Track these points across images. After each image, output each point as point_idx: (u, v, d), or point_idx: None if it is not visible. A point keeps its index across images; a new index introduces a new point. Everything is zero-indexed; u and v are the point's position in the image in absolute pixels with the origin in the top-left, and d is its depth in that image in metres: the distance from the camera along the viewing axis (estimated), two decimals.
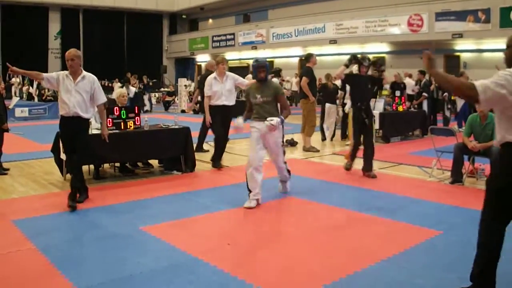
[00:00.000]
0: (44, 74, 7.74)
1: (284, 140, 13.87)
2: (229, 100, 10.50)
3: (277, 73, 14.28)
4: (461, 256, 4.56)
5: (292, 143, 13.90)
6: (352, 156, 10.02)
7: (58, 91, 7.65)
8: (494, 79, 3.85)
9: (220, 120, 10.43)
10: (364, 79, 9.82)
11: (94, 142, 8.54)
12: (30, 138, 15.48)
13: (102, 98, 7.78)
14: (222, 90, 10.33)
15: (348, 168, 10.09)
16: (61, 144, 8.41)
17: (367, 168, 9.63)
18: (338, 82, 14.20)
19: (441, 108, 18.81)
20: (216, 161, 10.49)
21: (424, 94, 17.83)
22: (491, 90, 3.81)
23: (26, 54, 38.33)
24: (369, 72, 10.18)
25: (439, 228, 6.24)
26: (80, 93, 7.47)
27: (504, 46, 4.15)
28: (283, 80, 16.77)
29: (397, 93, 18.60)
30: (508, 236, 4.10)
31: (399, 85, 19.78)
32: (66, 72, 7.67)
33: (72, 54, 7.61)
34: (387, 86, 20.11)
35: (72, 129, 7.45)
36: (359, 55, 9.81)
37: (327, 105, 14.85)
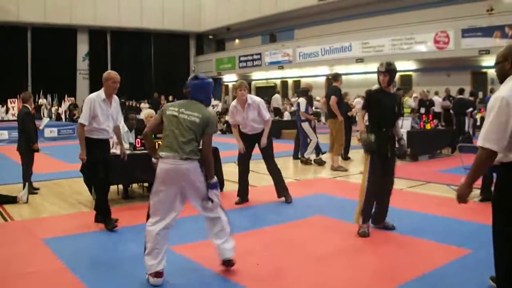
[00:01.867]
0: (84, 121, 7.28)
1: (312, 160, 13.88)
2: (256, 129, 8.98)
3: (305, 92, 14.25)
4: (493, 274, 4.51)
5: (320, 163, 13.86)
6: (367, 212, 6.98)
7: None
8: (494, 118, 3.92)
9: (248, 147, 9.06)
10: (387, 97, 7.06)
11: (123, 162, 8.63)
12: (59, 158, 15.66)
13: (121, 118, 7.86)
14: (246, 121, 8.90)
15: (364, 234, 6.83)
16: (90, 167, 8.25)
17: (381, 218, 7.26)
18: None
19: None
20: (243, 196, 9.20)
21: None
22: (498, 133, 3.91)
23: (55, 76, 38.86)
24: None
25: (469, 247, 6.18)
26: (112, 116, 7.51)
27: None
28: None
29: (422, 110, 18.52)
30: None
31: (424, 102, 19.70)
32: (100, 96, 7.40)
33: (118, 76, 7.56)
34: (411, 104, 20.06)
35: (104, 151, 7.54)
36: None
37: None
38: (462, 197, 4.18)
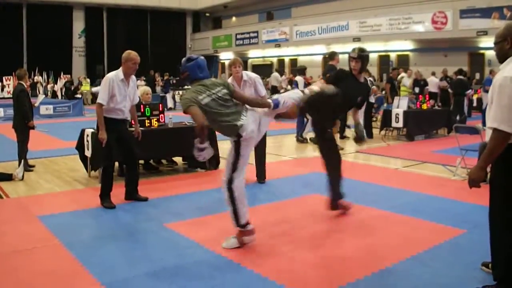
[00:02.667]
0: (103, 101, 7.17)
1: (308, 138, 13.89)
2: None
3: (302, 71, 14.28)
4: (486, 255, 4.52)
5: (316, 142, 13.85)
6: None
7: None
8: (507, 99, 3.91)
9: None
10: (354, 83, 6.63)
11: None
12: (55, 135, 15.63)
13: (137, 98, 7.85)
14: None
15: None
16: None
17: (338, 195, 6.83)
18: None
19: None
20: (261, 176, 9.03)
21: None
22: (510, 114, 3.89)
23: (50, 53, 38.72)
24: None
25: (463, 227, 6.19)
26: (129, 96, 7.48)
27: None
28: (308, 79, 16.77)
29: (416, 89, 18.51)
30: None
31: (419, 82, 19.69)
32: (118, 76, 7.35)
33: (138, 57, 7.55)
34: (406, 82, 20.06)
35: (122, 130, 7.51)
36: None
37: None
38: (474, 181, 4.12)
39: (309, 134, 14.11)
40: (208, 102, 5.29)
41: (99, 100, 7.18)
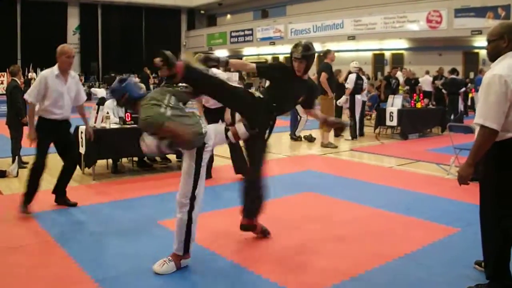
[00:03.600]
0: (29, 99, 6.84)
1: (302, 136, 13.91)
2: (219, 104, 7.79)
3: None
4: (479, 254, 4.53)
5: (310, 139, 13.88)
6: None
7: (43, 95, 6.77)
8: (493, 96, 3.95)
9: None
10: (296, 81, 5.73)
11: (113, 137, 8.65)
12: None
13: (84, 96, 7.42)
14: None
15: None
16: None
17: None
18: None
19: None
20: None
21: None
22: (499, 111, 3.93)
23: (44, 49, 38.38)
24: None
25: (457, 226, 6.21)
26: (69, 94, 6.97)
27: None
28: None
29: (406, 88, 18.64)
30: None
31: (410, 80, 19.80)
32: (53, 72, 6.87)
33: (72, 49, 7.07)
34: (400, 79, 20.17)
35: (62, 133, 7.12)
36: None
37: None
38: (463, 177, 4.15)
39: (303, 132, 14.16)
40: (171, 114, 4.59)
41: (25, 97, 6.92)
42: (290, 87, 5.64)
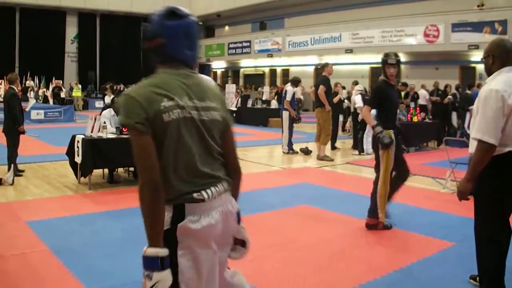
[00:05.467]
0: None
1: (299, 149, 13.92)
2: None
3: (296, 82, 14.25)
4: (474, 268, 4.54)
5: (306, 152, 13.89)
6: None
7: None
8: (490, 112, 3.97)
9: None
10: (392, 90, 6.96)
11: (109, 147, 8.66)
12: (45, 140, 15.58)
13: None
14: None
15: (387, 227, 6.73)
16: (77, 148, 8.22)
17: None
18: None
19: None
20: None
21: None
22: (496, 126, 3.95)
23: (42, 58, 38.60)
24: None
25: (452, 240, 6.23)
26: None
27: None
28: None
29: (410, 103, 18.68)
30: None
31: (411, 95, 19.87)
32: None
33: None
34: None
35: None
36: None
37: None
38: (462, 193, 4.16)
39: (298, 145, 14.17)
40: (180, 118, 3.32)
41: None
42: (392, 95, 6.80)
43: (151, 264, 2.37)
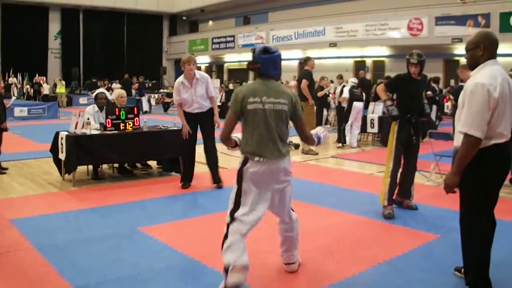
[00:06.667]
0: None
1: (293, 146, 13.87)
2: (203, 107, 8.60)
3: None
4: (459, 260, 4.56)
5: (296, 146, 13.82)
6: (390, 194, 7.22)
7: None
8: (476, 105, 4.01)
9: (194, 129, 8.63)
10: (414, 83, 7.40)
11: (93, 143, 8.61)
12: (29, 137, 15.46)
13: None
14: (193, 97, 8.48)
15: (389, 215, 7.01)
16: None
17: (406, 194, 7.59)
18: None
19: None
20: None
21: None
22: (482, 120, 4.00)
23: (26, 54, 38.35)
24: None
25: (437, 232, 6.25)
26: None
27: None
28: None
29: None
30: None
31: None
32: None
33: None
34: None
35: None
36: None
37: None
38: (449, 186, 4.18)
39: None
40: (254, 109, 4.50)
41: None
42: (411, 88, 7.36)
43: None
